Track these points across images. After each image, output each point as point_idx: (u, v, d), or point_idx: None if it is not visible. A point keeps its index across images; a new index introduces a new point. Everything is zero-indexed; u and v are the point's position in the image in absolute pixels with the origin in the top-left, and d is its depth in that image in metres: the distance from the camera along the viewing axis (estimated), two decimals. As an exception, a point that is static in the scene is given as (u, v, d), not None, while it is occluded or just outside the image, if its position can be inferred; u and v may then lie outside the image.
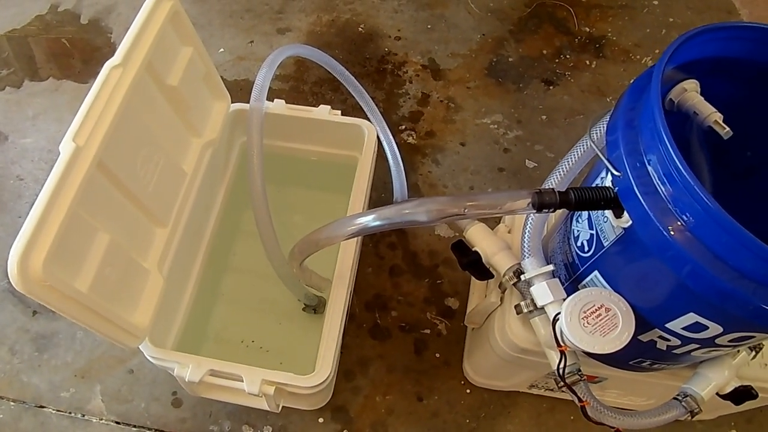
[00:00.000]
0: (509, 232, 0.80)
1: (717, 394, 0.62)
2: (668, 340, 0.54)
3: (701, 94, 0.53)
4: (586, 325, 0.53)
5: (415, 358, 1.04)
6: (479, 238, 0.73)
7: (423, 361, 1.04)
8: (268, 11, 1.56)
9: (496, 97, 1.35)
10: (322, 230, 0.65)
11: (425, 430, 0.98)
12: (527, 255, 0.60)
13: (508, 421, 0.99)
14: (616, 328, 0.52)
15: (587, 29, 1.47)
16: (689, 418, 0.61)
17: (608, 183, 0.49)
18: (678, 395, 0.61)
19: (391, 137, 1.13)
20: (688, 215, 0.41)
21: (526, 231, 0.61)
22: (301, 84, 1.41)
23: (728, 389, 0.60)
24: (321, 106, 0.98)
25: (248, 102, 0.88)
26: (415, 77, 1.39)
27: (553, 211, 0.50)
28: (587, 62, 1.41)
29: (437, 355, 1.04)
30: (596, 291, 0.53)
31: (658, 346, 0.56)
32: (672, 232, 0.41)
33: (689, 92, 0.52)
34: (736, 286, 0.39)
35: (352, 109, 1.34)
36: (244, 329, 1.01)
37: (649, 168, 0.43)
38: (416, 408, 1.00)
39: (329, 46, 1.47)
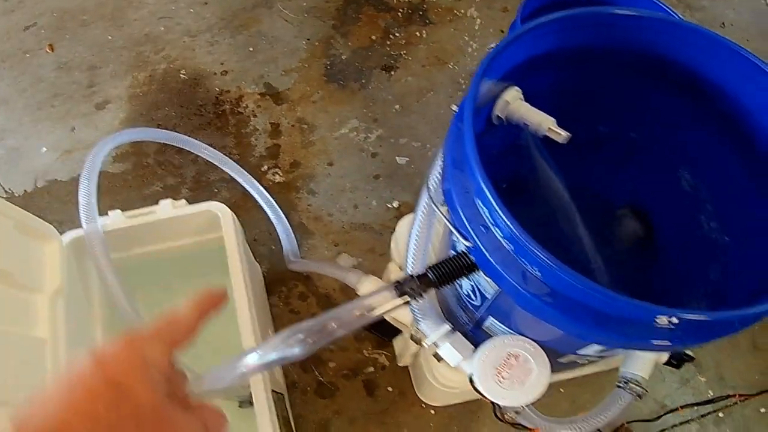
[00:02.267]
0: (401, 270, 0.74)
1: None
2: (588, 356, 0.51)
3: (531, 89, 0.49)
4: (501, 380, 0.49)
5: (370, 400, 1.00)
6: (373, 295, 0.67)
7: (379, 401, 0.99)
8: (78, 89, 1.39)
9: (344, 102, 1.27)
10: (203, 381, 0.56)
11: (407, 467, 0.95)
12: (420, 318, 0.55)
13: (481, 425, 0.97)
14: (532, 372, 0.48)
15: (405, -2, 1.41)
16: (638, 399, 0.59)
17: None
18: (619, 382, 0.59)
19: (260, 188, 1.04)
20: (536, 269, 0.36)
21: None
22: (143, 158, 1.27)
23: (665, 358, 0.59)
24: (161, 202, 0.87)
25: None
26: (257, 109, 1.28)
27: (422, 297, 0.44)
28: (417, 34, 1.35)
29: (390, 389, 1.00)
30: (499, 341, 0.49)
31: (580, 362, 0.53)
32: (531, 290, 0.37)
33: (513, 104, 0.48)
34: (613, 331, 0.36)
35: (206, 165, 1.23)
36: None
37: (494, 230, 0.38)
38: (390, 449, 0.96)
39: (157, 106, 1.33)
